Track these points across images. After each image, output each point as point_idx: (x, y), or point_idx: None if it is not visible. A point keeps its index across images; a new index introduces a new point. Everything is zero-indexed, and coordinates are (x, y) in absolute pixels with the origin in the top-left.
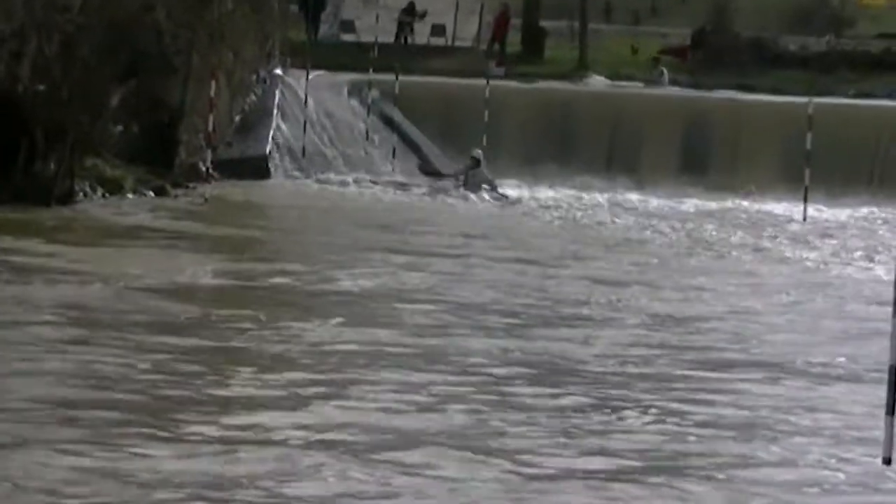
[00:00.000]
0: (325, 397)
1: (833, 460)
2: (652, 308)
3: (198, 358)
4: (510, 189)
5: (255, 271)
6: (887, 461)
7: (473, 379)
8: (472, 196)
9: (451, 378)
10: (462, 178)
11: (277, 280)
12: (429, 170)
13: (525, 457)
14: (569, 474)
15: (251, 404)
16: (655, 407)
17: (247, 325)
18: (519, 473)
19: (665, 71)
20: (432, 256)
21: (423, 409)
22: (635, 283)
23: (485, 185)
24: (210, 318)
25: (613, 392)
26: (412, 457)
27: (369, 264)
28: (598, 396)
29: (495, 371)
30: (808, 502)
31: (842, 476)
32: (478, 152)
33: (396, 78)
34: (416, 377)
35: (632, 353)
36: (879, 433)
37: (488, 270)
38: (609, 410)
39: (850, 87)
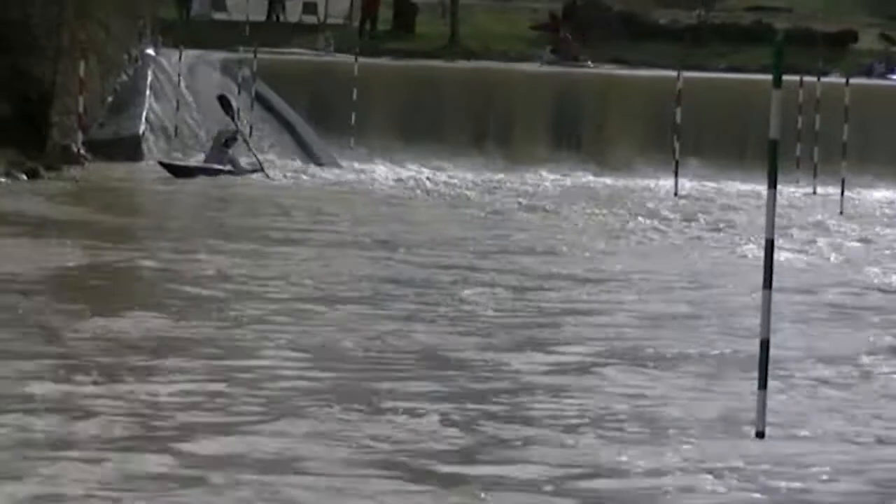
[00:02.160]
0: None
1: (705, 440)
2: (513, 297)
3: None
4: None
5: (100, 259)
6: (760, 434)
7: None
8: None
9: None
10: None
11: (124, 268)
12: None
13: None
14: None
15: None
16: (507, 401)
17: (59, 319)
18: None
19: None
20: (295, 245)
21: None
22: (493, 269)
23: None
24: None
25: (472, 385)
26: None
27: (220, 250)
28: (452, 391)
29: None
30: (679, 483)
31: (714, 454)
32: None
33: (255, 55)
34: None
35: (481, 343)
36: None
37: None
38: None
39: (721, 60)
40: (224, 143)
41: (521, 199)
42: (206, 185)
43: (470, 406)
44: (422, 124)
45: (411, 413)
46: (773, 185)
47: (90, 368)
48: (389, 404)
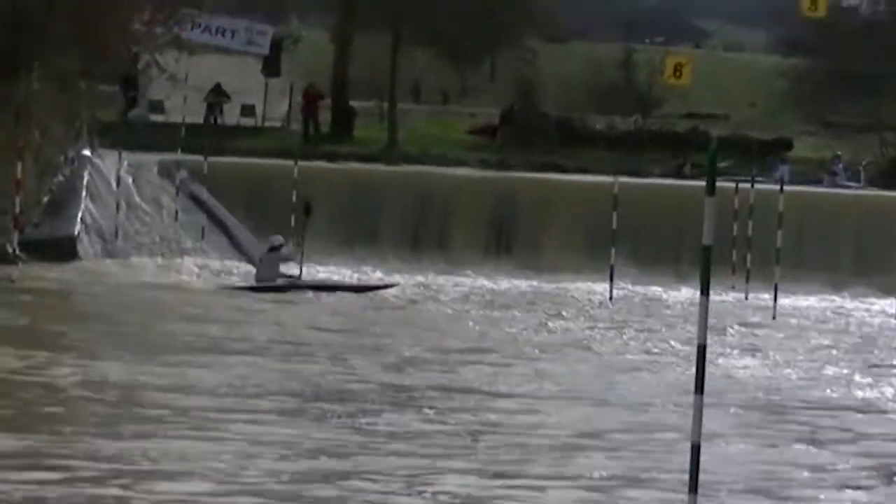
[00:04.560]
0: None
1: None
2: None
3: None
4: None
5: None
6: None
7: None
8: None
9: None
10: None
11: (34, 377)
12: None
13: None
14: None
15: None
16: None
17: None
18: None
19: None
20: (241, 354)
21: None
22: (416, 386)
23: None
24: None
25: None
26: None
27: (133, 361)
28: None
29: None
30: None
31: None
32: (277, 238)
33: (205, 158)
34: None
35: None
36: None
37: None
38: None
39: (656, 166)
40: (271, 248)
41: (455, 306)
42: (139, 288)
43: None
44: (359, 227)
45: None
46: (705, 291)
47: None
48: None
